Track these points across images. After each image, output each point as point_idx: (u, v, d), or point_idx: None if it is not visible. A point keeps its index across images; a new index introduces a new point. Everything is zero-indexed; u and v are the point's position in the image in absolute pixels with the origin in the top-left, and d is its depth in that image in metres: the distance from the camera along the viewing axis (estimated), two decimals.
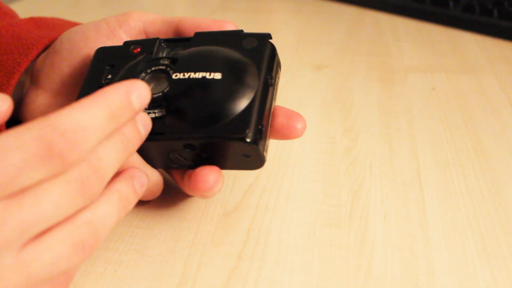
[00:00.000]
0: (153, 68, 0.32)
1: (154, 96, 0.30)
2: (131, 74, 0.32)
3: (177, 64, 0.31)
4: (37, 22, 0.40)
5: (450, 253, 0.30)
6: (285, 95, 0.48)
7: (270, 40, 0.32)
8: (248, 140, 0.28)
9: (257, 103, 0.29)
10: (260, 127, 0.29)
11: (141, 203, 0.34)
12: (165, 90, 0.30)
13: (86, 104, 0.23)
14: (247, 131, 0.28)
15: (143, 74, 0.31)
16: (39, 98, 0.36)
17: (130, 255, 0.30)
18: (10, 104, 0.22)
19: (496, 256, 0.30)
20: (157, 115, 0.30)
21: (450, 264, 0.30)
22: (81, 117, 0.22)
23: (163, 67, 0.32)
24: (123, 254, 0.31)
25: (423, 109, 0.45)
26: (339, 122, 0.44)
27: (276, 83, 0.32)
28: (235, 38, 0.32)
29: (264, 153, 0.30)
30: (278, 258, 0.30)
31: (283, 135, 0.31)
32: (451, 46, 0.58)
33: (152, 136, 0.29)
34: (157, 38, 0.33)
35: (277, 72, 0.32)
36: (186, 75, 0.30)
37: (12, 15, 0.43)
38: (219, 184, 0.30)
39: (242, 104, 0.29)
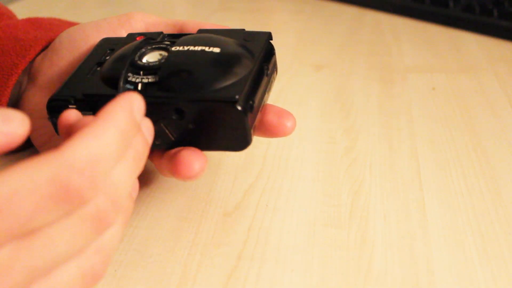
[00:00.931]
0: (153, 46, 0.32)
1: (151, 64, 0.30)
2: (132, 50, 0.31)
3: (178, 42, 0.31)
4: (34, 23, 0.40)
5: (450, 253, 0.30)
6: (285, 95, 0.48)
7: (270, 41, 0.33)
8: (238, 107, 0.28)
9: (250, 79, 0.29)
10: (251, 102, 0.29)
11: (141, 203, 0.34)
12: (162, 60, 0.30)
13: (96, 131, 0.21)
14: (237, 96, 0.28)
15: (143, 49, 0.31)
16: (36, 97, 0.36)
17: (130, 255, 0.30)
18: (27, 128, 0.20)
19: (496, 256, 0.30)
20: (150, 80, 0.29)
21: (450, 264, 0.30)
22: (95, 146, 0.20)
23: (164, 46, 0.32)
24: (123, 254, 0.31)
25: (423, 109, 0.45)
26: (339, 122, 0.44)
27: (271, 80, 0.32)
28: (237, 34, 0.33)
29: (251, 131, 0.29)
30: (278, 258, 0.30)
31: (272, 133, 0.31)
32: (451, 46, 0.58)
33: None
34: (161, 32, 0.34)
35: (273, 71, 0.33)
36: (186, 48, 0.30)
37: (10, 15, 0.43)
38: (203, 171, 0.29)
39: (236, 76, 0.29)
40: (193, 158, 0.28)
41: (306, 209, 0.34)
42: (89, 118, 0.25)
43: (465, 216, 0.33)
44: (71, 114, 0.25)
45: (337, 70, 0.53)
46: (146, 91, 0.29)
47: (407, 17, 0.66)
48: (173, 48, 0.31)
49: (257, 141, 0.41)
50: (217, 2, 0.75)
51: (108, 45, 0.34)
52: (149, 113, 0.28)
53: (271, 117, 0.31)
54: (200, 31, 0.34)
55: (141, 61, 0.30)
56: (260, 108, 0.31)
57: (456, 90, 0.49)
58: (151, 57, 0.31)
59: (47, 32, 0.38)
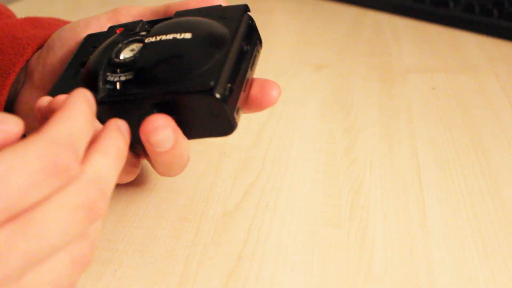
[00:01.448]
0: (129, 39, 0.31)
1: (126, 60, 0.30)
2: (109, 47, 0.31)
3: (151, 32, 0.31)
4: (33, 22, 0.40)
5: (450, 253, 0.30)
6: (285, 95, 0.48)
7: (249, 13, 0.32)
8: (216, 94, 0.27)
9: (227, 62, 0.28)
10: (229, 85, 0.28)
11: (141, 203, 0.34)
12: (137, 54, 0.30)
13: (68, 116, 0.23)
14: (211, 83, 0.27)
15: (120, 45, 0.31)
16: (32, 96, 0.36)
17: (130, 255, 0.30)
18: (22, 127, 0.22)
19: (496, 256, 0.30)
20: (127, 78, 0.29)
21: (450, 264, 0.30)
22: (70, 127, 0.23)
23: (139, 37, 0.31)
24: (123, 254, 0.31)
25: (423, 109, 0.45)
26: (339, 122, 0.44)
27: (255, 56, 0.31)
28: (213, 11, 0.32)
29: (235, 115, 0.28)
30: (278, 258, 0.30)
31: (258, 106, 0.31)
32: (451, 46, 0.58)
33: (120, 98, 0.28)
34: (141, 20, 0.33)
35: (256, 45, 0.32)
36: (158, 38, 0.30)
37: (8, 14, 0.43)
38: (166, 130, 0.28)
39: (211, 61, 0.28)
40: (155, 116, 0.28)
41: (306, 209, 0.34)
42: (62, 97, 0.27)
43: (465, 216, 0.33)
44: (44, 100, 0.28)
45: (337, 70, 0.53)
46: (125, 89, 0.29)
47: (407, 17, 0.66)
48: (146, 40, 0.30)
49: (257, 141, 0.41)
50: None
51: (91, 42, 0.34)
52: (131, 110, 0.29)
53: (254, 89, 0.30)
54: (177, 13, 0.33)
55: (118, 58, 0.30)
56: (244, 87, 0.30)
57: (456, 90, 0.49)
58: (127, 53, 0.31)
59: (44, 31, 0.38)
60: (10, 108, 0.37)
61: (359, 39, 0.61)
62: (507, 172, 0.37)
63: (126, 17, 0.35)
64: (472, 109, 0.45)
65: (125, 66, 0.30)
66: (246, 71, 0.30)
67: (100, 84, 0.29)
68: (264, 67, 0.33)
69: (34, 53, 0.37)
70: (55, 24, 0.40)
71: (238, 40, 0.30)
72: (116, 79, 0.29)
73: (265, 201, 0.35)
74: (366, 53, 0.57)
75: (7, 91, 0.35)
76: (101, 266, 0.30)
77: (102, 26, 0.35)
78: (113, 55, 0.30)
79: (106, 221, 0.33)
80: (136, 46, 0.31)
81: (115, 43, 0.31)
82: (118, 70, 0.30)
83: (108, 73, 0.30)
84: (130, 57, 0.30)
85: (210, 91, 0.27)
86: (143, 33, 0.32)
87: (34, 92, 0.36)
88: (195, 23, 0.31)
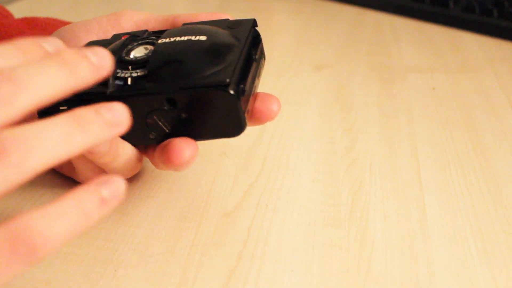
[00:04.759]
0: (139, 41, 0.32)
1: (138, 58, 0.30)
2: (119, 49, 0.31)
3: (163, 35, 0.31)
4: (29, 23, 0.39)
5: (450, 253, 0.30)
6: (285, 95, 0.48)
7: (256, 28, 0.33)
8: (230, 90, 0.27)
9: (239, 64, 0.29)
10: (242, 86, 0.28)
11: (141, 203, 0.34)
12: (149, 53, 0.30)
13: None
14: (228, 80, 0.28)
15: (129, 46, 0.31)
16: None
17: (130, 255, 0.30)
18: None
19: (496, 256, 0.30)
20: (139, 74, 0.30)
21: (450, 264, 0.30)
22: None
23: (150, 40, 0.32)
24: (123, 254, 0.31)
25: (423, 109, 0.45)
26: (339, 122, 0.44)
27: (260, 66, 0.32)
28: (221, 23, 0.33)
29: (245, 115, 0.29)
30: (278, 258, 0.30)
31: (259, 118, 0.31)
32: (451, 46, 0.58)
33: (131, 93, 0.29)
34: (146, 30, 0.34)
35: (261, 57, 0.33)
36: (172, 39, 0.30)
37: (5, 14, 0.43)
38: (194, 158, 0.29)
39: (224, 62, 0.29)
40: (183, 146, 0.29)
41: (306, 209, 0.34)
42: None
43: (465, 216, 0.33)
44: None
45: (337, 70, 0.53)
46: (136, 85, 0.29)
47: (407, 17, 0.66)
48: (159, 41, 0.31)
49: (257, 141, 0.41)
50: (217, 2, 0.75)
51: None
52: (141, 106, 0.29)
53: (256, 103, 0.31)
54: (184, 25, 0.34)
55: (128, 56, 0.31)
56: (252, 93, 0.31)
57: (456, 90, 0.49)
58: (138, 52, 0.31)
59: (42, 31, 0.38)
60: None
61: (359, 39, 0.61)
62: (507, 172, 0.37)
63: (128, 22, 0.35)
64: (472, 109, 0.45)
65: (137, 63, 0.30)
66: (254, 78, 0.31)
67: (110, 80, 0.29)
68: (264, 67, 0.34)
69: None
70: (53, 24, 0.40)
71: (248, 47, 0.31)
72: (127, 75, 0.30)
73: (265, 201, 0.35)
74: (366, 53, 0.57)
75: None
76: (101, 266, 0.30)
77: (103, 29, 0.35)
78: (123, 54, 0.31)
79: (106, 221, 0.33)
80: (147, 47, 0.31)
81: (124, 45, 0.32)
82: (130, 67, 0.30)
83: (119, 70, 0.30)
84: (142, 56, 0.30)
85: (226, 86, 0.27)
86: (153, 37, 0.32)
87: None
88: (208, 29, 0.31)
